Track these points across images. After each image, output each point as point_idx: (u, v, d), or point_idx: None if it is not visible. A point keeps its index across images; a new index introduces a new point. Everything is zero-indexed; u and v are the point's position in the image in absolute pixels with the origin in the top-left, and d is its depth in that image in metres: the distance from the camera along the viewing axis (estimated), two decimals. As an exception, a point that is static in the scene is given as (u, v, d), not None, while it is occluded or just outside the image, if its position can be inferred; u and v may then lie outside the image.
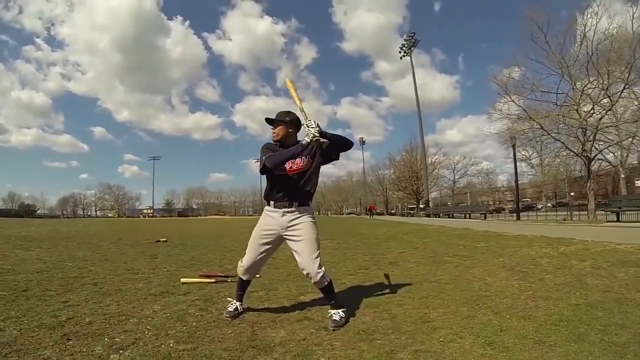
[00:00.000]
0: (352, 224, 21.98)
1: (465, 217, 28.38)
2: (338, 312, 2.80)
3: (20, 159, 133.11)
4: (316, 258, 2.83)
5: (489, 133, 27.68)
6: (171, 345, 2.42)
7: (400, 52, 47.62)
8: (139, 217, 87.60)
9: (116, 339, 2.54)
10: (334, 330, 2.67)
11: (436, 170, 57.23)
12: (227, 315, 2.98)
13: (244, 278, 3.10)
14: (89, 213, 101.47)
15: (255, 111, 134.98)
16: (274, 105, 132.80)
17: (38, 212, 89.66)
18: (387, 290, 3.88)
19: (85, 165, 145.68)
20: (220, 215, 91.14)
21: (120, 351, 2.31)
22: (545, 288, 3.79)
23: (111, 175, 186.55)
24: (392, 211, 67.92)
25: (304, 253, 2.82)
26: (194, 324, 2.89)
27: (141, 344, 2.45)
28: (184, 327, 2.80)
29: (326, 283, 2.89)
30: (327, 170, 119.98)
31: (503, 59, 27.94)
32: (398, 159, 59.33)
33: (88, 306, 3.40)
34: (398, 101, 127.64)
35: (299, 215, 2.89)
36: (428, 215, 35.66)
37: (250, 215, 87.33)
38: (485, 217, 26.28)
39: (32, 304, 3.42)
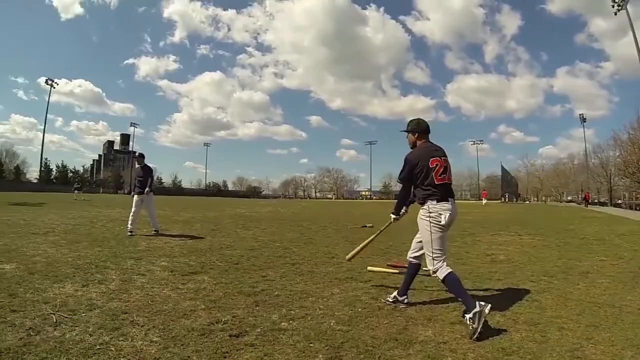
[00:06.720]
0: (565, 216, 21.82)
1: None
2: (467, 317, 3.09)
3: (246, 149, 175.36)
4: (428, 256, 3.55)
5: None
6: (331, 324, 3.19)
7: (613, 5, 43.52)
8: (357, 199, 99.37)
9: (292, 311, 3.52)
10: (475, 340, 2.92)
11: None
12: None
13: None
14: (308, 194, 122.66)
15: (467, 90, 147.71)
16: (486, 83, 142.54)
17: (263, 193, 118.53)
18: (557, 308, 3.86)
19: (304, 150, 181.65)
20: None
21: (291, 321, 3.25)
22: None
23: (330, 159, 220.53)
24: (618, 201, 65.84)
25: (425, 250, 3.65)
26: (359, 309, 3.61)
27: (309, 318, 3.33)
28: (350, 311, 3.55)
29: (440, 279, 3.45)
30: (547, 152, 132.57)
31: None
32: (625, 138, 57.18)
33: (280, 282, 4.65)
34: (622, 65, 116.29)
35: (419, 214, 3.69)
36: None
37: (467, 200, 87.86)
38: None
39: (238, 275, 4.95)
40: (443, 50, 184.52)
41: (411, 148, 3.88)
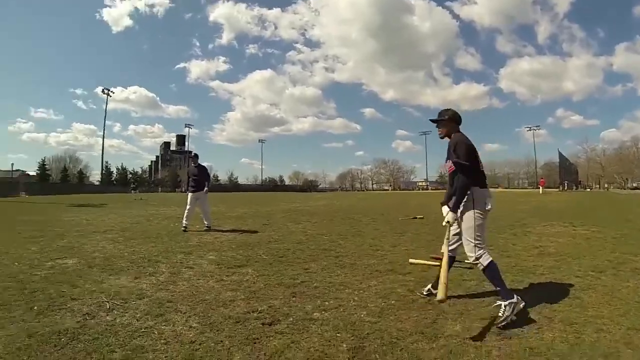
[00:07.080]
0: (625, 204, 20.62)
1: None
2: (502, 304, 3.24)
3: (301, 143, 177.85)
4: (470, 243, 3.50)
5: None
6: (362, 316, 3.35)
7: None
8: (414, 189, 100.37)
9: (326, 302, 3.71)
10: (499, 327, 3.07)
11: None
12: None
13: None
14: (365, 186, 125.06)
15: (521, 74, 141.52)
16: (540, 65, 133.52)
17: (320, 186, 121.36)
18: (599, 307, 3.65)
19: (359, 143, 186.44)
20: (494, 187, 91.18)
21: (323, 312, 3.44)
22: None
23: (385, 150, 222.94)
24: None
25: (463, 239, 3.60)
26: (392, 302, 3.74)
27: (341, 310, 3.50)
28: (383, 303, 3.68)
29: (481, 268, 3.48)
30: (609, 135, 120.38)
31: None
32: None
33: (321, 274, 4.86)
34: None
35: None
36: None
37: (524, 188, 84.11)
38: None
39: (281, 267, 5.23)
40: (493, 34, 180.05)
41: (442, 137, 3.84)
